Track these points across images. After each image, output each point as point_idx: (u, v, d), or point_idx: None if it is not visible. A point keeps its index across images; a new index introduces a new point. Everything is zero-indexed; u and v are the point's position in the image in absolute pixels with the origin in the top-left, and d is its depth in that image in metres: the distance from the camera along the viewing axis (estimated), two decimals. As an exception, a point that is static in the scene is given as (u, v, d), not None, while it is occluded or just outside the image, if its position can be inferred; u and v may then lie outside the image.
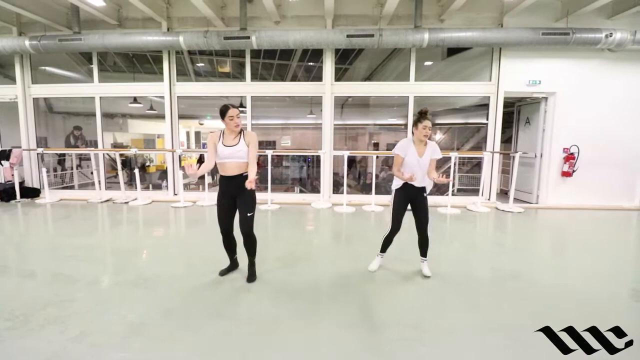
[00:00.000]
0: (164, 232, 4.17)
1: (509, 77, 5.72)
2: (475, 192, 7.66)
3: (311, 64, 7.71)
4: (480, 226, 4.81)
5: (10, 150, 6.02)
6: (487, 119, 5.99)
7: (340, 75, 6.27)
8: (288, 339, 1.95)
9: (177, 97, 6.29)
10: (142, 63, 7.93)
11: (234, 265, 2.89)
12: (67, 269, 2.87)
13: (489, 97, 5.89)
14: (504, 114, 5.96)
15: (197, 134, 14.90)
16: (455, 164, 5.46)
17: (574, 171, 5.74)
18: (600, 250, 3.68)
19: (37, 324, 2.09)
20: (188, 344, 1.90)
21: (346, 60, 7.43)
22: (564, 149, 5.77)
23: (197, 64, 7.85)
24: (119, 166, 6.06)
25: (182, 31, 5.63)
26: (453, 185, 6.36)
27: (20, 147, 6.28)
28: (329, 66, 5.94)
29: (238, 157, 2.56)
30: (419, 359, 1.78)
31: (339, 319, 2.17)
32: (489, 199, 5.97)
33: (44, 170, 6.08)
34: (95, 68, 6.34)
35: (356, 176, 8.71)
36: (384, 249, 2.94)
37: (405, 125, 6.32)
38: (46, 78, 6.68)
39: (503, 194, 6.65)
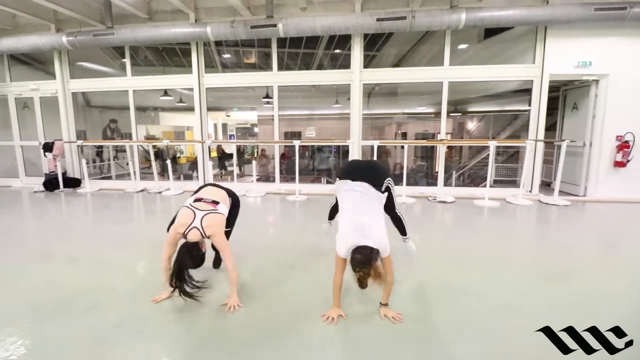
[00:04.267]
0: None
1: (555, 59, 5.25)
2: (512, 183, 7.25)
3: (338, 51, 7.50)
4: (522, 220, 4.51)
5: (53, 143, 6.34)
6: (529, 105, 5.57)
7: (367, 63, 6.04)
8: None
9: (206, 88, 6.34)
10: (172, 56, 8.07)
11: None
12: (108, 256, 2.96)
13: (532, 80, 5.45)
14: (547, 99, 5.50)
15: (224, 125, 15.14)
16: (493, 153, 5.12)
17: (628, 161, 5.22)
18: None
19: (80, 309, 2.15)
20: (221, 329, 1.88)
21: (373, 47, 7.16)
22: (617, 136, 5.25)
23: (224, 55, 7.87)
24: (152, 157, 6.24)
25: (210, 22, 5.61)
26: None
27: (61, 140, 6.60)
28: (357, 52, 5.72)
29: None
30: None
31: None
32: (530, 191, 5.59)
33: (83, 161, 6.37)
34: (127, 62, 6.50)
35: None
36: (330, 217, 2.90)
37: (437, 113, 6.02)
38: (83, 73, 6.94)
39: (545, 185, 6.21)
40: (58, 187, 6.25)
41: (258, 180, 6.39)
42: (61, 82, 6.61)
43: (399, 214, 2.51)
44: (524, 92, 5.88)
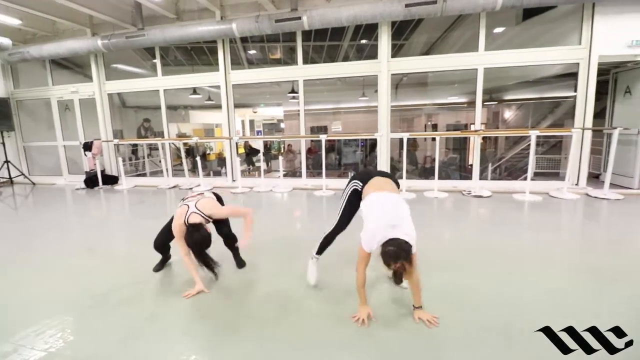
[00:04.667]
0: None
1: (605, 39, 4.76)
2: (554, 175, 6.75)
3: (364, 42, 7.30)
4: (569, 216, 4.16)
5: (91, 142, 6.67)
6: (575, 90, 5.11)
7: (394, 53, 5.81)
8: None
9: (232, 85, 6.38)
10: (200, 55, 8.23)
11: (167, 259, 2.78)
12: (141, 251, 3.03)
13: (578, 63, 4.99)
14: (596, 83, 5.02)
15: (251, 122, 15.35)
16: (534, 144, 4.74)
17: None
18: None
19: (113, 303, 2.21)
20: (255, 331, 1.85)
21: (401, 36, 6.89)
22: (679, 122, 4.71)
23: (249, 52, 7.91)
24: (183, 155, 6.41)
25: (235, 18, 5.62)
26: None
27: (99, 139, 6.94)
28: (384, 41, 5.51)
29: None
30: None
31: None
32: (576, 184, 5.16)
33: (120, 159, 6.66)
34: (158, 62, 6.68)
35: (413, 160, 8.20)
36: (321, 250, 2.33)
37: (469, 103, 5.68)
38: (117, 75, 7.24)
39: (592, 178, 5.71)
40: (97, 185, 6.58)
41: (285, 175, 6.37)
42: (98, 84, 6.93)
43: None
44: (568, 76, 5.41)
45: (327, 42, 7.75)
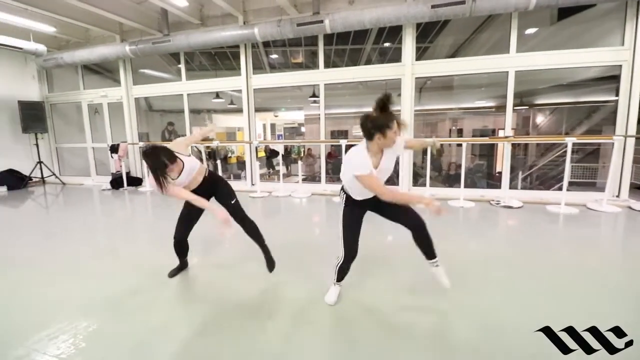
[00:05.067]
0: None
1: (653, 38, 4.39)
2: (590, 185, 6.31)
3: (387, 44, 7.15)
4: (610, 231, 3.82)
5: (118, 145, 6.87)
6: (617, 94, 4.74)
7: (418, 56, 5.62)
8: None
9: (254, 89, 6.40)
10: (223, 60, 8.36)
11: (184, 265, 2.74)
12: (160, 254, 3.02)
13: (621, 66, 4.63)
14: None
15: (272, 125, 15.47)
16: (570, 152, 4.41)
17: None
18: None
19: (128, 309, 2.18)
20: (265, 341, 1.75)
21: (425, 39, 6.70)
22: None
23: (271, 56, 7.94)
24: (204, 157, 6.47)
25: (257, 23, 5.63)
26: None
27: (125, 142, 7.14)
28: (409, 44, 5.34)
29: (192, 169, 2.29)
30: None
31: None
32: (617, 196, 4.77)
33: (144, 161, 6.83)
34: (182, 67, 6.81)
35: (437, 166, 7.92)
36: (340, 278, 2.18)
37: (498, 107, 5.39)
38: (144, 79, 7.45)
39: (634, 189, 5.26)
40: (122, 186, 6.76)
41: (304, 180, 6.30)
42: (125, 89, 7.15)
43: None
44: (608, 79, 5.05)
45: (349, 46, 7.66)
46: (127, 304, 2.25)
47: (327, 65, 6.04)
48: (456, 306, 2.11)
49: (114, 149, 6.86)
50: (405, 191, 1.72)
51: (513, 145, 5.99)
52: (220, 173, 6.20)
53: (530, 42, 5.48)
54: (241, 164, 9.83)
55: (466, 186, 5.07)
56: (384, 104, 1.74)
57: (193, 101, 7.21)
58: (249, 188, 6.37)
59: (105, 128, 7.57)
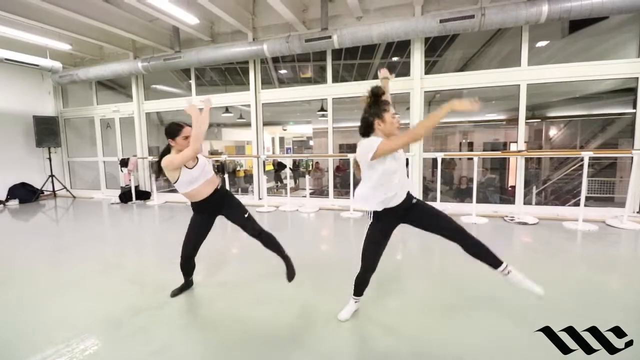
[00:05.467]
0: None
1: (670, 50, 4.28)
2: (608, 201, 6.08)
3: (395, 59, 7.17)
4: (633, 250, 3.63)
5: (128, 159, 6.95)
6: (634, 107, 4.59)
7: (427, 70, 5.60)
8: None
9: (262, 104, 6.44)
10: (233, 75, 8.49)
11: (188, 284, 2.65)
12: (167, 271, 2.96)
13: (637, 78, 4.50)
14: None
15: (281, 139, 15.57)
16: (587, 166, 4.25)
17: None
18: None
19: (126, 331, 2.11)
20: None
21: (434, 53, 6.70)
22: None
23: (280, 71, 8.03)
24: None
25: (266, 39, 5.70)
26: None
27: (135, 156, 7.22)
28: (418, 58, 5.32)
29: (207, 171, 2.32)
30: None
31: None
32: (638, 212, 4.56)
33: (153, 175, 6.86)
34: (192, 82, 6.92)
35: (447, 180, 7.78)
36: (358, 291, 2.10)
37: (509, 120, 5.29)
38: (156, 95, 7.59)
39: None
40: (131, 200, 6.79)
41: (312, 194, 6.23)
42: (137, 104, 7.28)
43: None
44: (623, 92, 4.91)
45: (357, 60, 7.71)
46: (128, 324, 2.18)
47: (336, 79, 6.05)
48: (463, 323, 1.98)
49: (124, 162, 6.93)
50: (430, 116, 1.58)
51: (526, 158, 5.85)
52: (227, 186, 6.18)
53: (542, 55, 5.40)
54: (249, 177, 9.84)
55: (478, 201, 4.92)
56: (374, 94, 1.86)
57: (203, 115, 7.25)
58: (256, 202, 6.33)
59: (116, 142, 7.68)
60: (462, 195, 6.92)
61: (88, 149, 8.13)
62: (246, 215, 2.41)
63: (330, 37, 5.16)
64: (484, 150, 8.51)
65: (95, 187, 8.02)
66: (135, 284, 2.83)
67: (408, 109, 5.56)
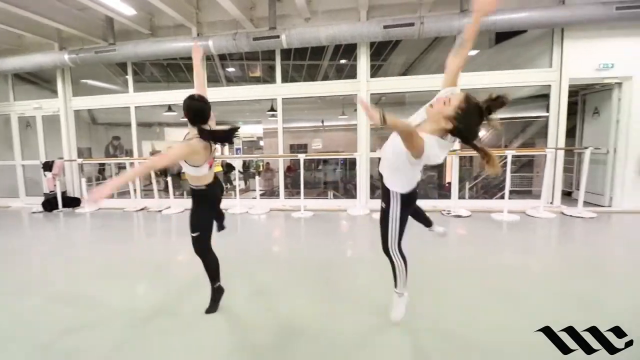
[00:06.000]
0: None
1: (574, 62, 4.96)
2: (527, 193, 6.86)
3: (343, 61, 7.35)
4: (546, 235, 4.15)
5: (53, 162, 6.22)
6: (548, 111, 5.26)
7: (373, 73, 5.85)
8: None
9: (208, 102, 6.18)
10: (176, 72, 8.03)
11: (220, 289, 2.33)
12: (98, 287, 2.70)
13: (550, 85, 5.16)
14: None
15: (231, 139, 15.07)
16: (510, 163, 4.79)
17: (657, 168, 4.86)
18: None
19: (57, 356, 1.89)
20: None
21: (379, 56, 6.99)
22: (645, 142, 4.90)
23: (228, 69, 7.78)
24: (152, 174, 6.06)
25: (211, 35, 5.49)
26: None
27: (62, 158, 6.48)
28: (363, 62, 5.53)
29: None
30: None
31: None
32: (551, 202, 5.23)
33: (84, 180, 6.23)
34: (130, 78, 6.41)
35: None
36: (406, 282, 2.03)
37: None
38: (88, 91, 6.88)
39: (564, 195, 5.82)
40: (57, 207, 6.08)
41: (262, 195, 6.14)
42: (63, 100, 6.54)
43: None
44: (540, 97, 5.58)
45: (307, 62, 7.76)
46: (57, 349, 1.94)
47: (285, 79, 6.03)
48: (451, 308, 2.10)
49: (48, 166, 6.18)
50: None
51: (460, 157, 6.36)
52: (170, 191, 5.84)
53: (473, 63, 5.92)
54: (196, 179, 9.37)
55: (420, 197, 5.24)
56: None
57: (143, 114, 6.79)
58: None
59: (38, 143, 6.82)
60: (407, 192, 7.30)
61: (4, 152, 7.08)
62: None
63: (278, 36, 5.13)
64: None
65: (13, 194, 7.03)
66: (65, 302, 2.54)
67: (355, 110, 5.75)
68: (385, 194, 1.91)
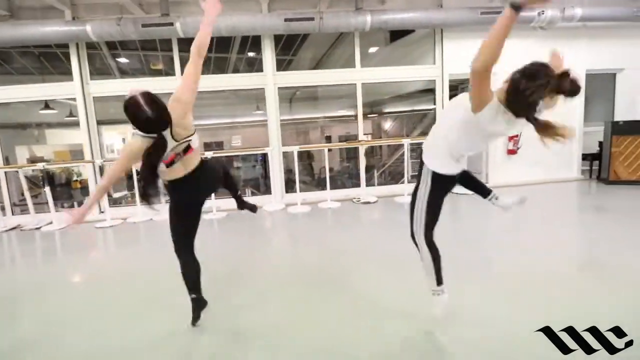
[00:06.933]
0: (90, 263, 3.47)
1: (453, 59, 5.67)
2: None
3: (252, 54, 7.17)
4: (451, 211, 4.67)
5: None
6: (435, 104, 5.93)
7: (285, 67, 5.85)
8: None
9: (94, 97, 5.40)
10: (53, 62, 6.81)
11: (203, 301, 2.11)
12: None
13: (435, 80, 5.82)
14: (450, 97, 5.93)
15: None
16: (408, 151, 5.30)
17: (518, 149, 5.89)
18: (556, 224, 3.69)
19: None
20: None
21: (289, 51, 7.01)
22: (508, 127, 5.89)
23: (119, 59, 6.92)
24: (25, 186, 5.06)
25: (90, 19, 4.78)
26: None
27: None
28: (269, 55, 5.45)
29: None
30: None
31: None
32: (443, 184, 5.94)
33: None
34: (-16, 69, 5.22)
35: (310, 172, 8.35)
36: (441, 277, 1.83)
37: (355, 116, 6.09)
38: None
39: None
40: None
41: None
42: None
43: None
44: (430, 91, 6.27)
45: (213, 54, 7.34)
46: None
47: (187, 72, 5.60)
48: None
49: None
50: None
51: (370, 147, 6.81)
52: (50, 203, 4.91)
53: (374, 59, 6.35)
54: (85, 189, 8.20)
55: (337, 187, 5.49)
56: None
57: (13, 113, 5.60)
58: (96, 217, 5.18)
59: None
60: (323, 184, 7.55)
61: None
62: None
63: (172, 23, 4.72)
64: (339, 142, 9.49)
65: None
66: None
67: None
68: (419, 171, 1.78)
